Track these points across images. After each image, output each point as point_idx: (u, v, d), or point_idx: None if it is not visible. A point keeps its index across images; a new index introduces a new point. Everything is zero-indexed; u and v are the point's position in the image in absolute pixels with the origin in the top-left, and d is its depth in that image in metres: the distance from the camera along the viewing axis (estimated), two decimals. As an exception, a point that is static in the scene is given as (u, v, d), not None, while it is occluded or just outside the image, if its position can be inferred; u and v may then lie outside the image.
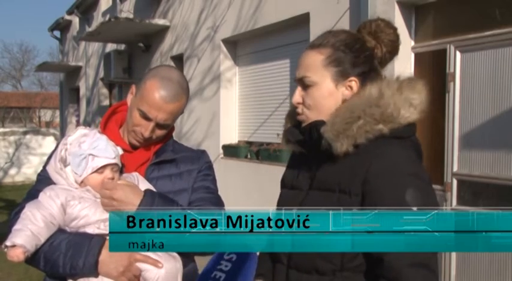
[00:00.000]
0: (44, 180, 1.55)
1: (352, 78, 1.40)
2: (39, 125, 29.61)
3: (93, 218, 1.44)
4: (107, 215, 1.46)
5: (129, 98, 1.63)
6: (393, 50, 1.47)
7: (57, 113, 23.21)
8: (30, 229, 1.38)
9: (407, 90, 1.36)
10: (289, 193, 1.53)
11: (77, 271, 1.40)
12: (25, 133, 15.04)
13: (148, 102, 1.53)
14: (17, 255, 1.35)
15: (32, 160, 14.31)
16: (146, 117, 1.55)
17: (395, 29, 1.47)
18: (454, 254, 3.63)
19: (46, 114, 32.77)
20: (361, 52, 1.42)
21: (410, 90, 1.37)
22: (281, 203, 1.55)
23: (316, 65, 1.39)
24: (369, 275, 1.30)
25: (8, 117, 32.32)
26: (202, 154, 1.78)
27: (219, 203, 1.68)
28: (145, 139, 1.59)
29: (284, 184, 1.59)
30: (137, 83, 1.63)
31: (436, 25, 3.90)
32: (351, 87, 1.40)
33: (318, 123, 1.38)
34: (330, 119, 1.36)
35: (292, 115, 1.54)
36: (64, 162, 1.50)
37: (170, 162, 1.67)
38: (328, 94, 1.39)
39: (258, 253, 1.35)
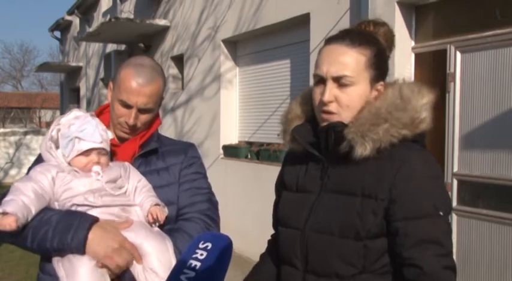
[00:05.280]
0: None
1: (382, 82, 1.40)
2: (40, 126, 29.60)
3: (82, 189, 1.46)
4: (95, 187, 1.47)
5: (109, 95, 1.68)
6: (392, 46, 1.49)
7: (58, 113, 23.22)
8: (21, 199, 1.37)
9: (426, 95, 1.37)
10: (295, 196, 1.47)
11: (64, 246, 1.37)
12: (25, 134, 15.02)
13: (126, 90, 1.57)
14: (9, 223, 1.32)
15: (32, 160, 14.27)
16: (127, 105, 1.59)
17: (387, 24, 1.47)
18: (453, 255, 3.63)
19: (46, 115, 32.78)
20: (388, 57, 1.44)
21: (427, 95, 1.37)
22: (286, 206, 1.48)
23: (359, 66, 1.34)
24: (397, 279, 1.30)
25: (9, 117, 32.34)
26: (190, 147, 1.78)
27: (214, 206, 1.69)
28: (131, 128, 1.62)
29: (285, 186, 1.52)
30: (113, 79, 1.67)
31: (436, 25, 3.90)
32: (378, 90, 1.39)
33: (337, 125, 1.35)
34: (354, 121, 1.34)
35: (296, 114, 1.51)
36: (55, 142, 1.53)
37: (156, 155, 1.68)
38: (364, 96, 1.36)
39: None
